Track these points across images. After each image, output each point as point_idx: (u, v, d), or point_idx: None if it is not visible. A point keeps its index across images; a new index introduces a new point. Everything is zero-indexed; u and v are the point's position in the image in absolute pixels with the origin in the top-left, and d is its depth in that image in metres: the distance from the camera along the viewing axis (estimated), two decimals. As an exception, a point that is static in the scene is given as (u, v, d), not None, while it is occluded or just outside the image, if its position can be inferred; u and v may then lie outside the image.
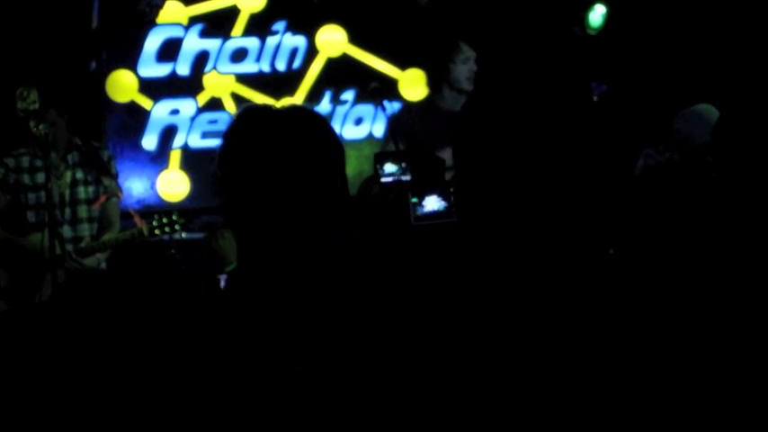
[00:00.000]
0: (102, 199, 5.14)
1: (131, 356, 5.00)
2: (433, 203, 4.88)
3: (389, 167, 4.89)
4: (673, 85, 6.53)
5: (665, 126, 5.49)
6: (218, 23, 7.42)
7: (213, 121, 7.39)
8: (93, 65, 7.29)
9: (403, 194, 4.96)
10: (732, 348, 2.86)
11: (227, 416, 2.08)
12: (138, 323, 5.31)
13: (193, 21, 7.39)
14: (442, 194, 4.89)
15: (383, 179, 4.91)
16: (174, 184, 7.32)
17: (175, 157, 7.36)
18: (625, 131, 6.73)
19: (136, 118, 7.33)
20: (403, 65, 7.47)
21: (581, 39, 7.27)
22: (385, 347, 2.11)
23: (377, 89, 5.95)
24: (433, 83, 5.67)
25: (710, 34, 7.07)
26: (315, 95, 7.47)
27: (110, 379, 4.83)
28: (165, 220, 5.16)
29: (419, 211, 4.87)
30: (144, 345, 5.13)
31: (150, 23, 7.32)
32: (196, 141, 7.38)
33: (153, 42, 7.32)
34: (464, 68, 5.56)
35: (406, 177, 4.92)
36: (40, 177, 5.08)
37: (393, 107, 7.24)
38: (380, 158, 4.93)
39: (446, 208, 4.87)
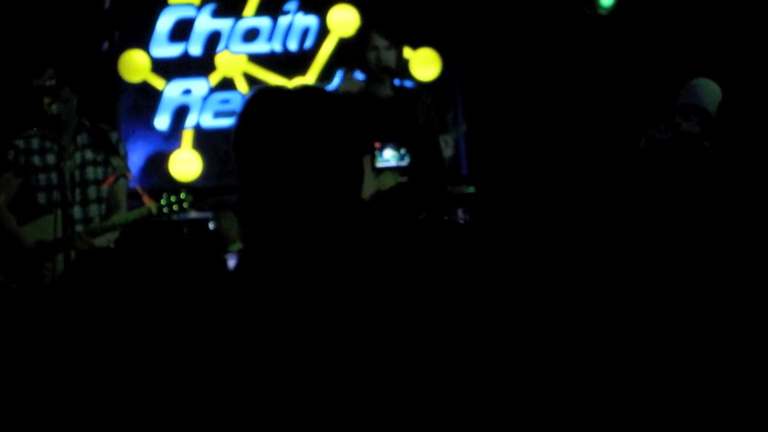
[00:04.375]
0: (111, 179, 5.17)
1: (139, 337, 5.05)
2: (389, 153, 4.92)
3: (388, 153, 4.88)
4: (684, 66, 6.51)
5: (666, 105, 5.48)
6: (230, 3, 7.44)
7: (225, 101, 7.42)
8: (106, 45, 7.32)
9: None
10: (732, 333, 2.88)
11: (235, 399, 2.10)
12: (147, 303, 5.35)
13: (205, 1, 7.41)
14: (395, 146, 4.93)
15: (379, 164, 4.90)
16: (186, 164, 7.36)
17: (188, 136, 7.40)
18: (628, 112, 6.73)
19: (148, 98, 7.37)
20: (415, 44, 7.49)
21: (591, 18, 7.25)
22: (395, 335, 2.12)
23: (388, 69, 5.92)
24: (348, 70, 5.65)
25: (722, 15, 7.04)
26: (326, 75, 7.49)
27: (117, 360, 4.87)
28: (173, 199, 5.18)
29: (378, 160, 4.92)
30: (152, 325, 5.17)
31: (163, 3, 7.35)
32: (208, 121, 7.42)
33: (165, 22, 7.35)
34: (372, 55, 5.54)
35: (404, 162, 4.90)
36: (50, 158, 5.11)
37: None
38: (379, 143, 4.92)
39: (399, 157, 4.92)
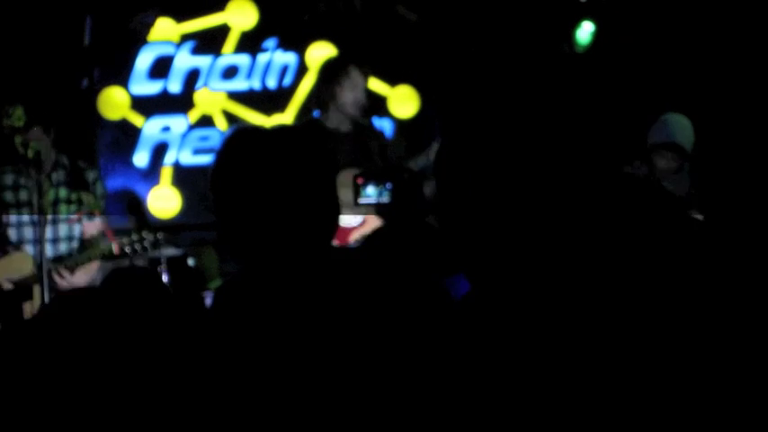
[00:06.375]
0: (78, 216, 5.13)
1: (122, 372, 5.01)
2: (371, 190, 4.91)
3: (371, 190, 4.86)
4: (660, 103, 6.55)
5: (642, 143, 5.53)
6: (209, 41, 7.46)
7: (204, 138, 7.43)
8: (86, 82, 7.33)
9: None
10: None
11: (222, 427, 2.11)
12: (126, 341, 5.30)
13: (185, 38, 7.43)
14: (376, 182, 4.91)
15: (361, 200, 4.87)
16: (165, 201, 7.35)
17: (167, 173, 7.40)
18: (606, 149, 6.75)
19: (127, 135, 7.37)
20: (392, 81, 7.52)
21: (569, 56, 7.30)
22: (378, 362, 2.12)
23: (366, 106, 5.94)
24: (319, 101, 5.66)
25: (698, 53, 7.09)
26: (305, 112, 7.49)
27: (100, 396, 4.84)
28: (134, 237, 5.08)
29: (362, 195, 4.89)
30: (133, 362, 5.13)
31: (142, 41, 7.36)
32: (187, 158, 7.42)
33: (144, 60, 7.37)
34: (350, 95, 5.53)
35: (384, 200, 4.88)
36: (23, 195, 5.10)
37: (382, 124, 7.27)
38: (362, 179, 4.89)
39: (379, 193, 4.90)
